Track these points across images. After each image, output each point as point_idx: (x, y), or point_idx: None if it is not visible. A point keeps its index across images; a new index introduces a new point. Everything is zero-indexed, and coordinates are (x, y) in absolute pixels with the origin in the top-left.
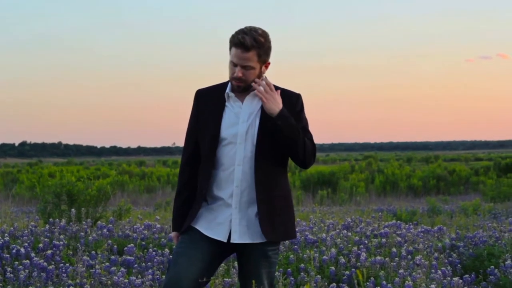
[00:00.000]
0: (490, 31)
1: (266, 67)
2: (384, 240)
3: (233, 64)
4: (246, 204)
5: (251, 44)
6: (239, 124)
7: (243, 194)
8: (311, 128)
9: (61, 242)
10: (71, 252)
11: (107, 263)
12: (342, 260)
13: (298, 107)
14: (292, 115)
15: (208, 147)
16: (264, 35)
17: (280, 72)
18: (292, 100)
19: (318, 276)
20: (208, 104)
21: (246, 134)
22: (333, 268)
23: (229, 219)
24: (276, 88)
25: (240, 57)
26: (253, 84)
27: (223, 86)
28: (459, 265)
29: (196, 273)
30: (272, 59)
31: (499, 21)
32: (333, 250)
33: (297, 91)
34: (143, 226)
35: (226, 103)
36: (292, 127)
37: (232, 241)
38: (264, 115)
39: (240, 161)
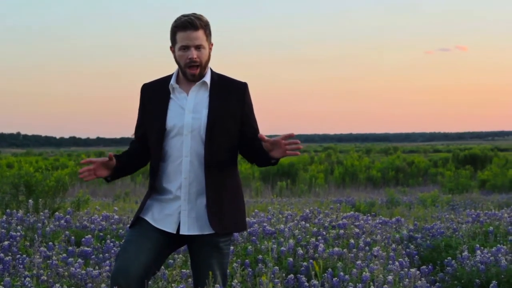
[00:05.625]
0: (449, 23)
1: (211, 48)
2: (342, 231)
3: (184, 48)
4: (194, 195)
5: (199, 24)
6: (185, 115)
7: (191, 185)
8: (271, 119)
9: (18, 233)
10: (28, 243)
11: (64, 254)
12: (300, 251)
13: (247, 99)
14: (240, 106)
15: (155, 139)
16: (203, 16)
17: (239, 62)
18: (241, 91)
19: (276, 267)
20: (153, 98)
21: (192, 125)
22: (291, 259)
23: (178, 210)
24: (222, 77)
25: (191, 37)
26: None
27: (167, 79)
28: (416, 256)
29: (145, 262)
30: (231, 48)
31: (458, 14)
32: (291, 241)
33: (243, 81)
34: (101, 217)
35: (171, 95)
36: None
37: (181, 232)
38: (212, 106)
39: (187, 153)
